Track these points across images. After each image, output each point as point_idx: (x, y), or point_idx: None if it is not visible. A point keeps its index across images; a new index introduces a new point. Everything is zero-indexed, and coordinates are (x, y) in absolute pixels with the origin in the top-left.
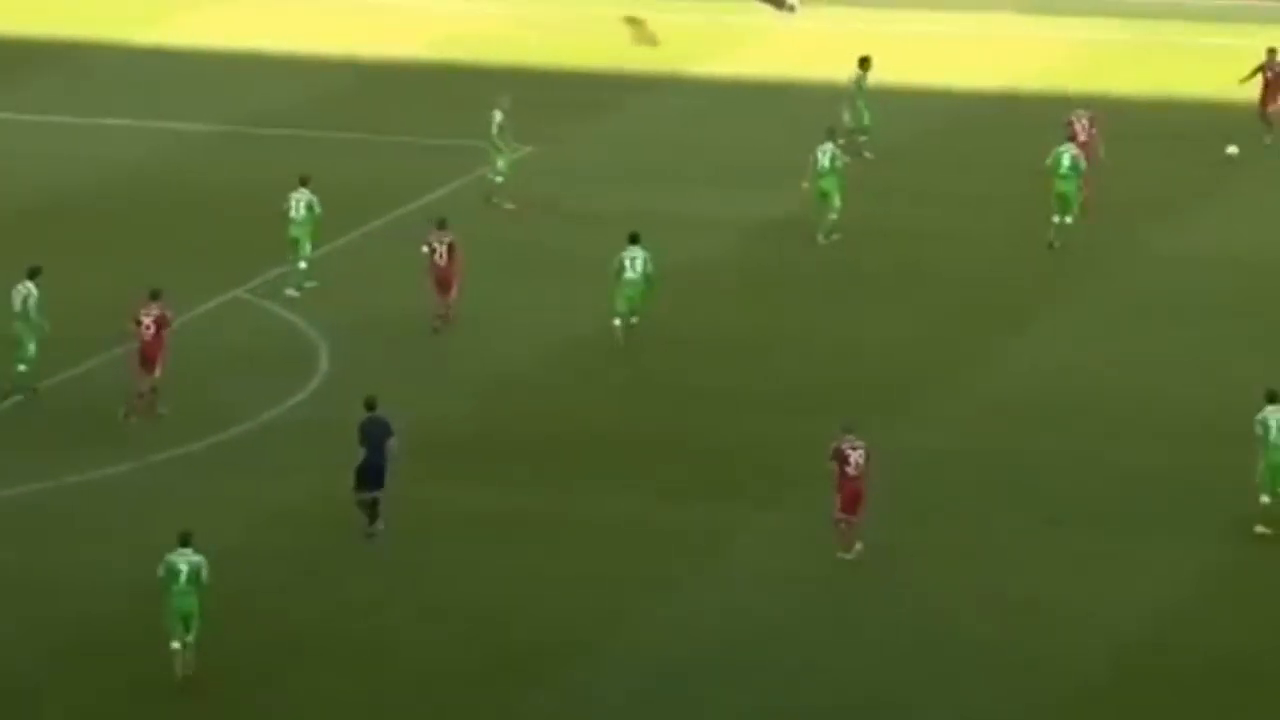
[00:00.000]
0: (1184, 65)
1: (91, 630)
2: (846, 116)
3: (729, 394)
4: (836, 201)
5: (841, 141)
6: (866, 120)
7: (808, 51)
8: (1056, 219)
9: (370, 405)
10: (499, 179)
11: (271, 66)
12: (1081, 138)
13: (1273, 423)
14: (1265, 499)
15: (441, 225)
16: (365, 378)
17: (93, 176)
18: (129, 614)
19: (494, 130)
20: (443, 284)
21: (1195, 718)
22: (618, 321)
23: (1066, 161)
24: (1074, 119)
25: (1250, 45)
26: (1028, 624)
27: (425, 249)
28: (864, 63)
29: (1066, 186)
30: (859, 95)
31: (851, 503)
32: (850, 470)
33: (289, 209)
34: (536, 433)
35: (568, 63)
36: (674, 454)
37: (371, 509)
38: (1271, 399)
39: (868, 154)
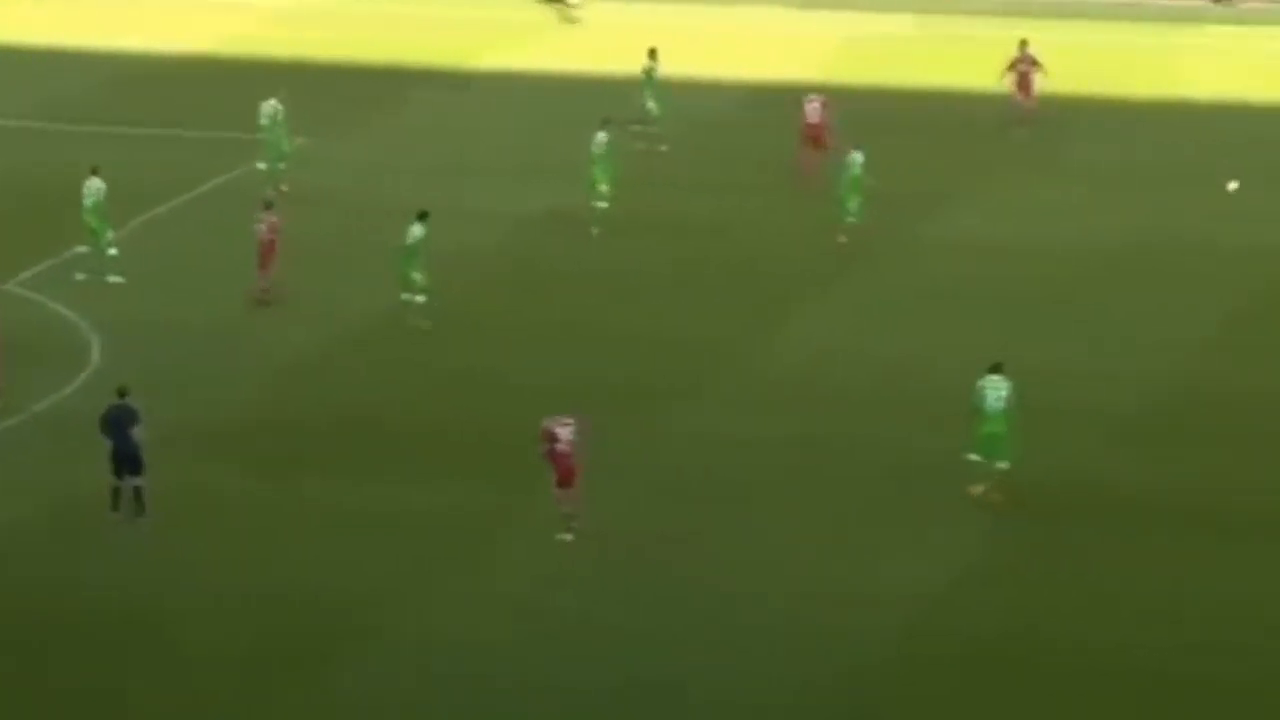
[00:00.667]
0: (955, 57)
1: None
2: (652, 105)
3: (505, 383)
4: (603, 188)
5: (637, 127)
6: (655, 110)
7: (588, 46)
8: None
9: (122, 393)
10: (273, 167)
11: (55, 60)
12: (812, 120)
13: (989, 393)
14: (974, 457)
15: (269, 206)
16: (139, 367)
17: None
18: None
19: (265, 122)
20: (265, 261)
21: (973, 696)
22: (408, 297)
23: (860, 159)
24: (806, 101)
25: (1014, 38)
26: (808, 607)
27: (256, 227)
28: (652, 54)
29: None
30: (648, 86)
31: (566, 478)
32: (561, 447)
33: (83, 198)
34: (318, 420)
35: (351, 57)
36: (452, 441)
37: (136, 497)
38: (993, 369)
39: (663, 146)
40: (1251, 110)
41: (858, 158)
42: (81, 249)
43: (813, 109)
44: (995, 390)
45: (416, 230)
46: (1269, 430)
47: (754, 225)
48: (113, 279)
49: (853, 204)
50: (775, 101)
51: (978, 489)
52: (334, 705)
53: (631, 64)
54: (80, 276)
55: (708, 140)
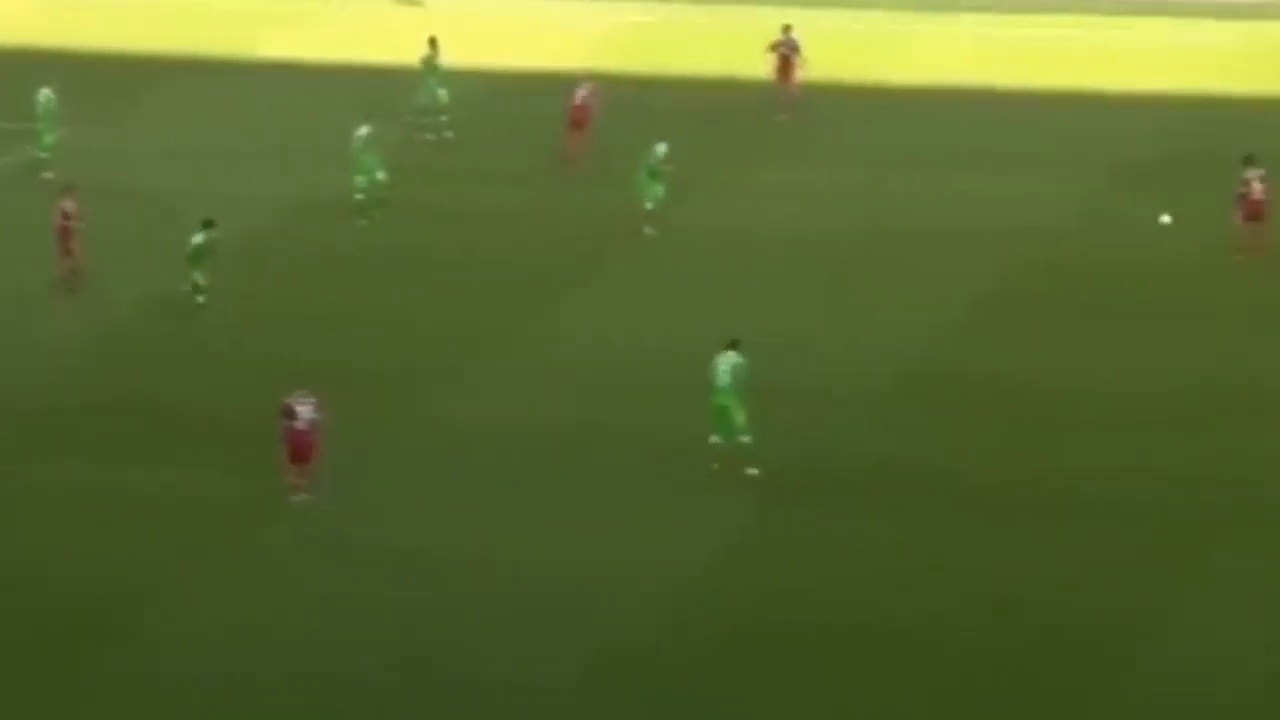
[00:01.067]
0: (720, 44)
1: None
2: (442, 93)
3: (271, 368)
4: (360, 179)
5: (411, 118)
6: (444, 99)
7: (361, 35)
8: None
9: None
10: (44, 155)
11: None
12: (579, 103)
13: (721, 368)
14: (715, 439)
15: (67, 191)
16: None
17: None
18: None
19: (40, 110)
20: (64, 247)
21: (736, 673)
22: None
23: (662, 151)
24: (576, 87)
25: (778, 23)
26: (567, 589)
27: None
28: (433, 43)
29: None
30: (431, 75)
31: (299, 453)
32: (299, 425)
33: None
34: (87, 403)
35: (121, 46)
36: (224, 426)
37: None
38: (730, 346)
39: (449, 134)
40: (1000, 96)
41: (661, 148)
42: None
43: (581, 94)
44: (725, 365)
45: (199, 237)
46: (1010, 410)
47: (529, 214)
48: None
49: (655, 193)
50: (556, 89)
51: (717, 467)
52: (94, 692)
53: (413, 53)
54: None
55: (493, 129)
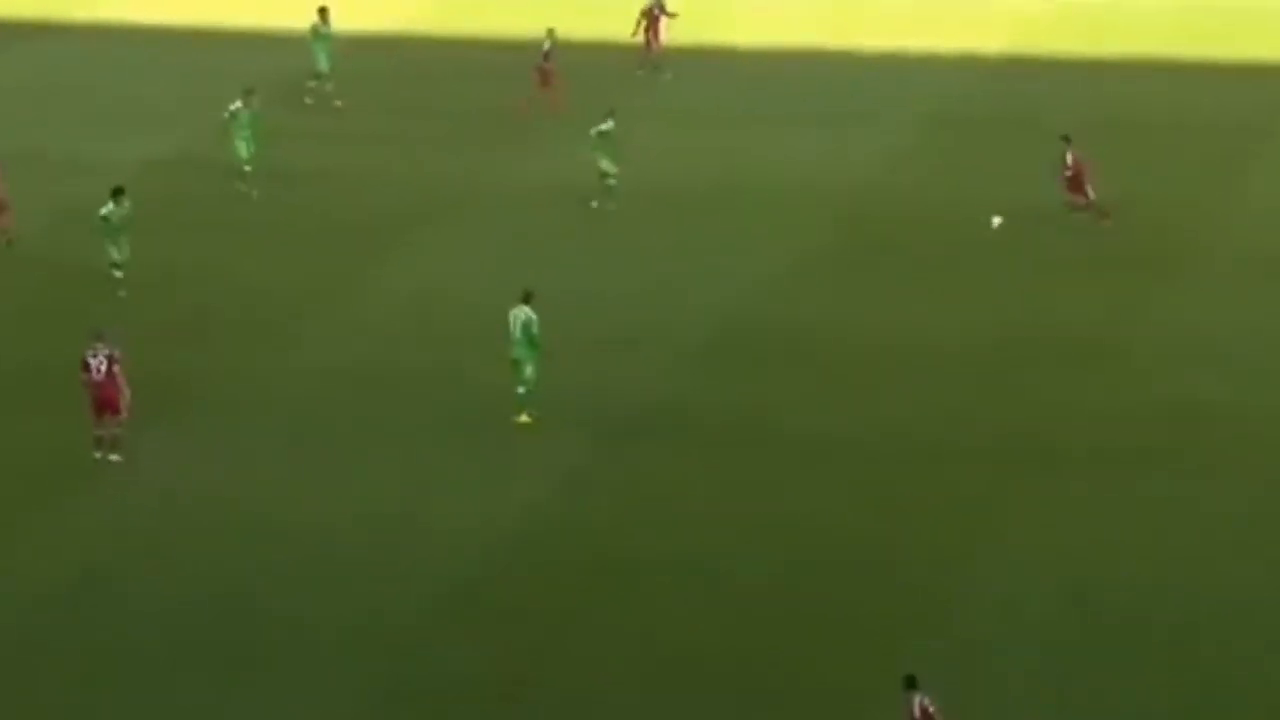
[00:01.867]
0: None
1: None
2: (322, 63)
3: (96, 322)
4: (244, 152)
5: (312, 83)
6: (325, 66)
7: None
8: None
9: None
10: None
11: None
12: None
13: (513, 320)
14: (521, 389)
15: None
16: None
17: None
18: None
19: None
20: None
21: (563, 610)
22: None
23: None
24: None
25: None
26: (399, 532)
27: None
28: (322, 13)
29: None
30: (320, 42)
31: (100, 406)
32: (94, 376)
33: None
34: None
35: None
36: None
37: None
38: (524, 299)
39: (337, 102)
40: (831, 57)
41: (609, 123)
42: None
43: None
44: (517, 318)
45: (109, 208)
46: (825, 359)
47: (381, 175)
48: None
49: (609, 166)
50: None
51: (523, 418)
52: None
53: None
54: None
55: (375, 94)
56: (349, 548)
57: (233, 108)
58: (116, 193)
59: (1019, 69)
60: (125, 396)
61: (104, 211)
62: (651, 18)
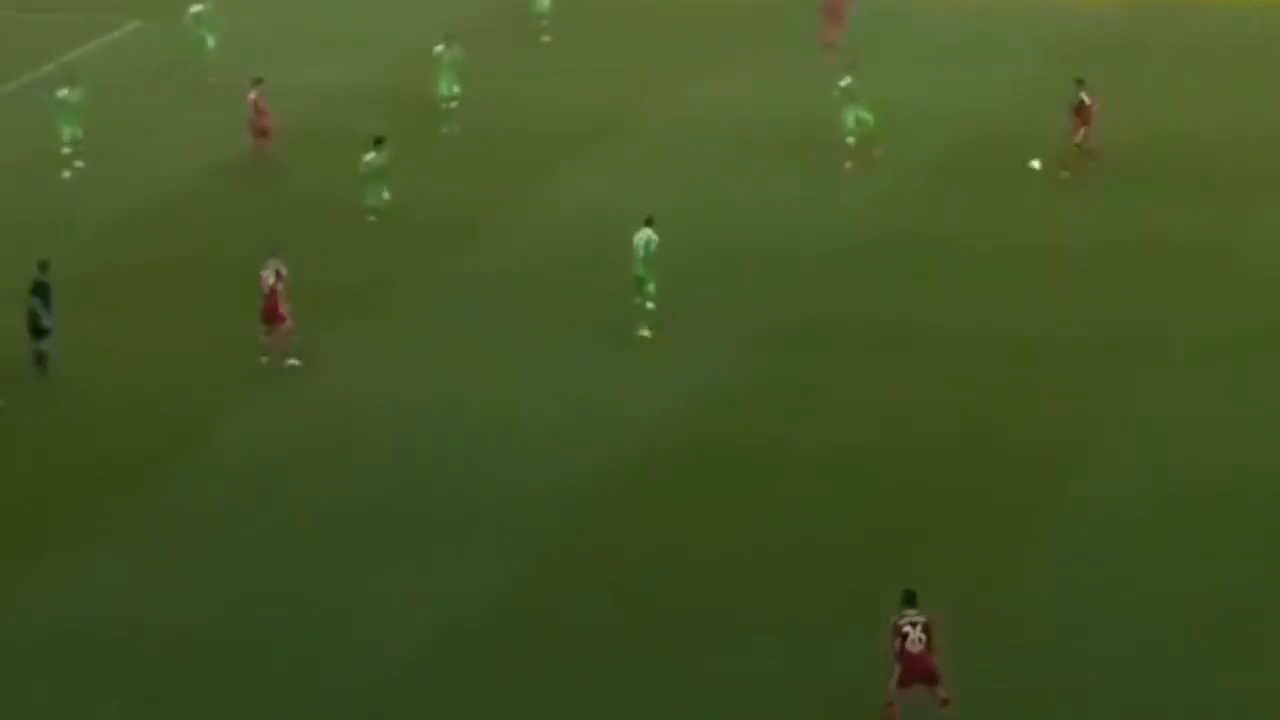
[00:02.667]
0: None
1: None
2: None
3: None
4: (446, 90)
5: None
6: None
7: None
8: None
9: (43, 266)
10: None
11: None
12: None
13: (636, 242)
14: (648, 305)
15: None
16: None
17: None
18: None
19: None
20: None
21: (723, 496)
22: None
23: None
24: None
25: None
26: (560, 420)
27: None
28: None
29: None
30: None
31: (266, 316)
32: (263, 287)
33: None
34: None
35: None
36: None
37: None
38: (647, 223)
39: (545, 38)
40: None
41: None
42: None
43: None
44: (640, 239)
45: (371, 156)
46: (954, 265)
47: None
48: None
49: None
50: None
51: (644, 332)
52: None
53: None
54: None
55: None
56: (519, 435)
57: (437, 50)
58: (378, 141)
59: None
60: (287, 314)
61: (368, 159)
62: None
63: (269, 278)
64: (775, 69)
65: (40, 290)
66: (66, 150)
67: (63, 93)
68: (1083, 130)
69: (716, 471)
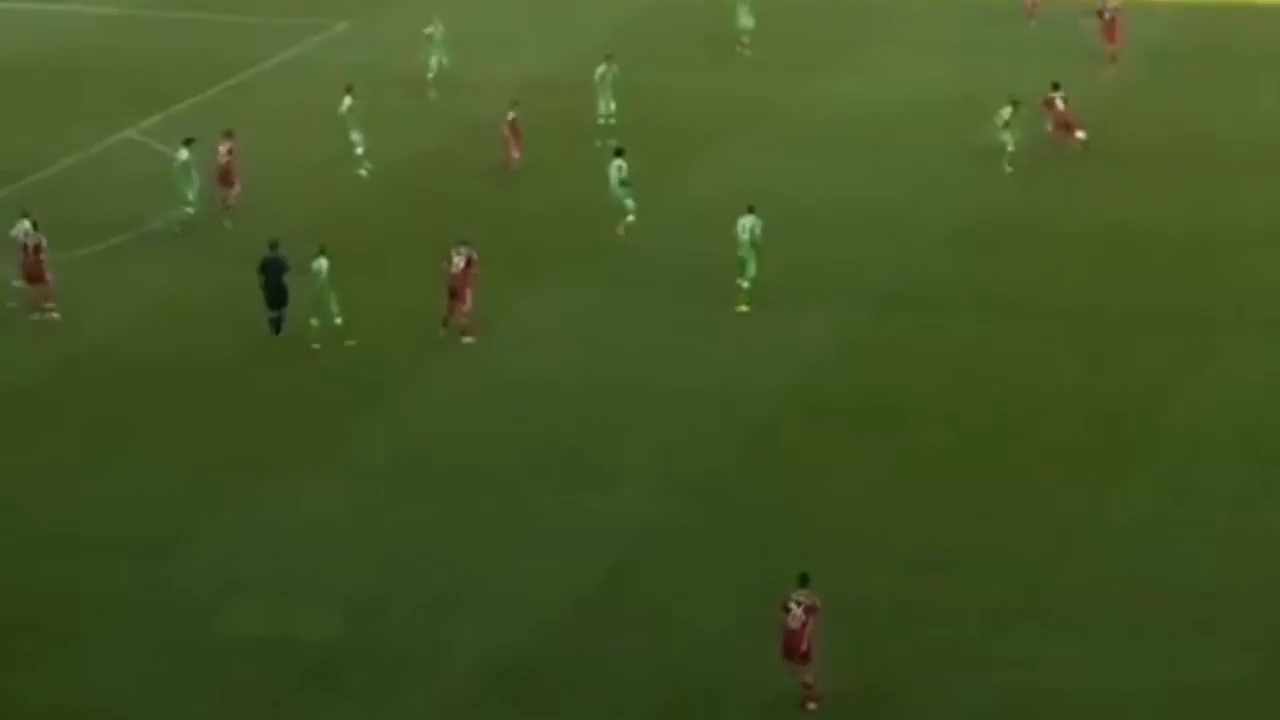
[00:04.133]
0: None
1: None
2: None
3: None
4: (604, 108)
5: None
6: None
7: None
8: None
9: (273, 245)
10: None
11: None
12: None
13: (740, 226)
14: (744, 284)
15: (228, 134)
16: None
17: (16, 52)
18: None
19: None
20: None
21: (839, 444)
22: None
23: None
24: None
25: None
26: (707, 385)
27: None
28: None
29: None
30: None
31: (451, 295)
32: (450, 269)
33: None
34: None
35: None
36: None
37: (277, 324)
38: (749, 210)
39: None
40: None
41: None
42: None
43: None
44: (744, 224)
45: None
46: (1056, 239)
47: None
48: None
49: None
50: None
51: (742, 308)
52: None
53: None
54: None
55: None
56: (664, 397)
57: (599, 70)
58: (618, 153)
59: (1226, 13)
60: (468, 297)
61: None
62: None
63: (460, 263)
64: (924, 67)
65: (269, 267)
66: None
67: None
68: (1076, 133)
69: (842, 425)
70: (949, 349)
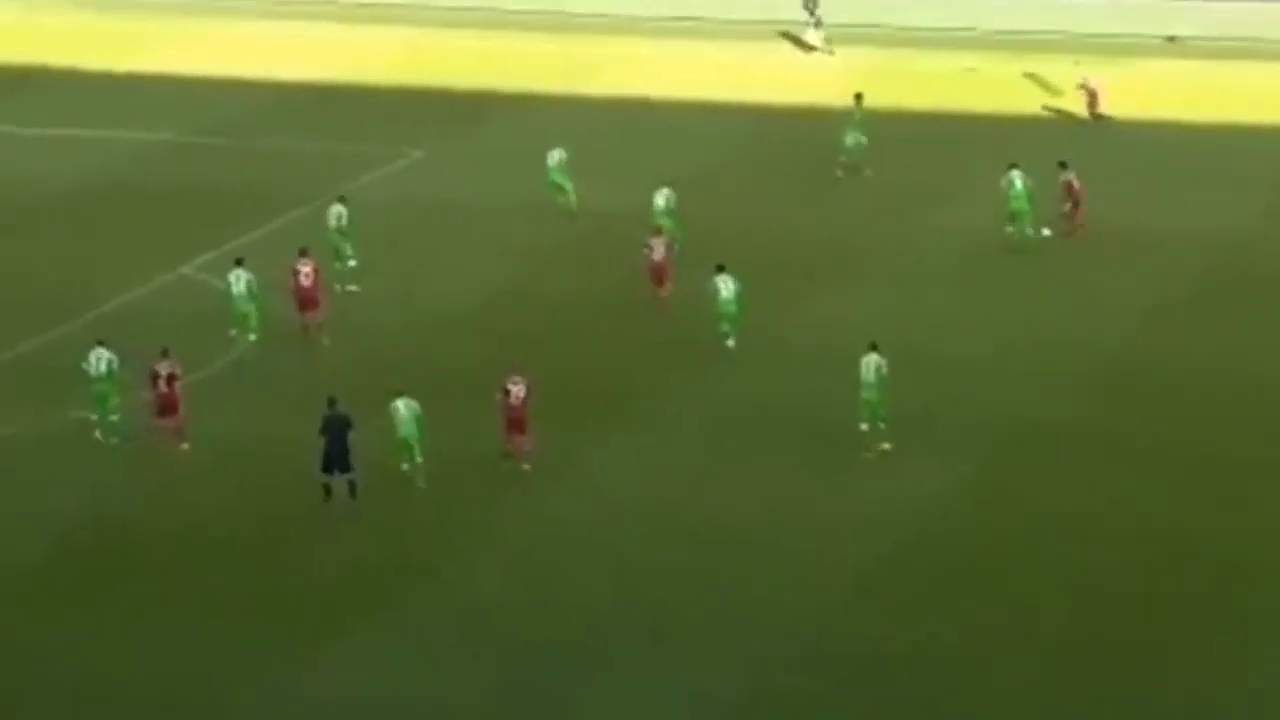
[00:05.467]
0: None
1: None
2: (858, 139)
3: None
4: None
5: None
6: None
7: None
8: None
9: (331, 402)
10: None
11: (215, 87)
12: None
13: (864, 366)
14: (863, 426)
15: (304, 253)
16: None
17: (73, 179)
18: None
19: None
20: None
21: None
22: None
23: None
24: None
25: None
26: (818, 527)
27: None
28: (858, 97)
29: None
30: (852, 125)
31: (512, 425)
32: (512, 401)
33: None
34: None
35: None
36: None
37: (352, 488)
38: (872, 348)
39: (868, 172)
40: (1200, 129)
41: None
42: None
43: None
44: (869, 363)
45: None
46: (1192, 390)
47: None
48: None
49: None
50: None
51: (885, 446)
52: None
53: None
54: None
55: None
56: (776, 538)
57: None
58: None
59: None
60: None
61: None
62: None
63: (520, 392)
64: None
65: (330, 426)
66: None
67: None
68: (1069, 206)
69: (954, 583)
70: (1069, 498)
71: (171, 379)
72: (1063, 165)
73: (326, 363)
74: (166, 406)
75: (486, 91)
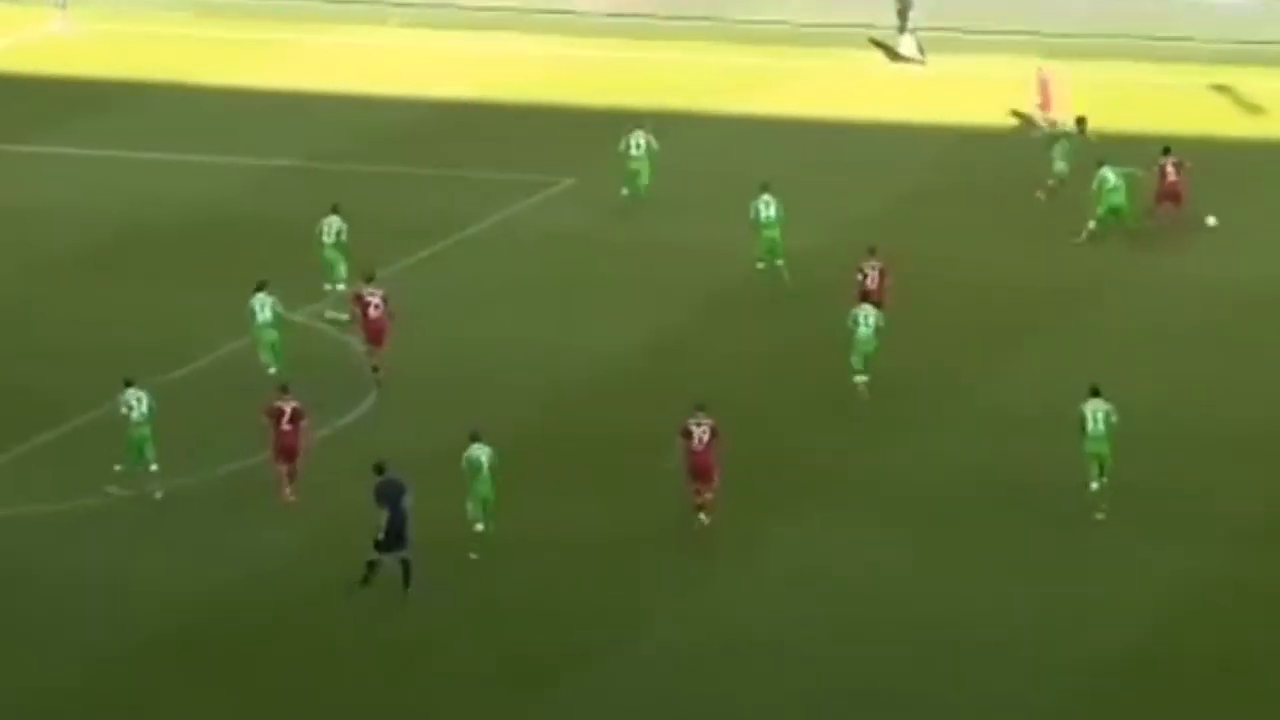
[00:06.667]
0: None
1: None
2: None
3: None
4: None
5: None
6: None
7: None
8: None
9: (380, 469)
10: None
11: (329, 106)
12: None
13: (1090, 414)
14: (1094, 485)
15: (370, 279)
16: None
17: (174, 207)
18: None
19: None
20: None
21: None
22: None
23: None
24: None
25: None
26: (1027, 631)
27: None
28: (1080, 121)
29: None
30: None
31: (697, 473)
32: (694, 445)
33: (320, 233)
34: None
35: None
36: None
37: (405, 570)
38: (1093, 393)
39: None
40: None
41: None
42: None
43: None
44: (1096, 411)
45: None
46: None
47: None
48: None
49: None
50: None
51: (1099, 515)
52: None
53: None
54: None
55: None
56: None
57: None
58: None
59: None
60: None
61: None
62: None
63: (701, 434)
64: None
65: (384, 494)
66: None
67: None
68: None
69: (1193, 692)
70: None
71: (296, 417)
72: (1165, 150)
73: (454, 422)
74: (287, 448)
75: (634, 110)
